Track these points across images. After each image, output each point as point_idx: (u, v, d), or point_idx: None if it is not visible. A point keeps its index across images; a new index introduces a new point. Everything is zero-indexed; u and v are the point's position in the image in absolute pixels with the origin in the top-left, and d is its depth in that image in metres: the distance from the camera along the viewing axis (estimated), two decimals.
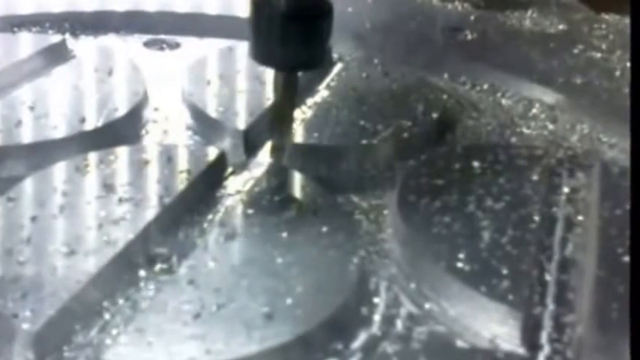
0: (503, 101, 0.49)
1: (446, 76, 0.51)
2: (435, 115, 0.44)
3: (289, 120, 0.37)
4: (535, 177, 0.39)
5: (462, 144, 0.43)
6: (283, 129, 0.37)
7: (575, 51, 0.55)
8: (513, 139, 0.45)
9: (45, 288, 0.28)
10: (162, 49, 0.51)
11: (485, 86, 0.51)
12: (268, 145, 0.39)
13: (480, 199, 0.36)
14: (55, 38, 0.48)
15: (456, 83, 0.51)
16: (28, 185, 0.34)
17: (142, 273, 0.31)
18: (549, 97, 0.49)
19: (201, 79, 0.44)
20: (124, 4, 0.54)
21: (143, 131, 0.42)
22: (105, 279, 0.29)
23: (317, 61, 0.35)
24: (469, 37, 0.56)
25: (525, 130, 0.46)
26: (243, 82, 0.44)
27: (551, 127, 0.47)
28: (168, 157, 0.36)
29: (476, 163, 0.39)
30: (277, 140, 0.38)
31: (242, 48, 0.48)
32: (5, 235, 0.31)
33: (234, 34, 0.50)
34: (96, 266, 0.29)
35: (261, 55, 0.34)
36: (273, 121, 0.38)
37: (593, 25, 0.60)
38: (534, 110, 0.49)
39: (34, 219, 0.32)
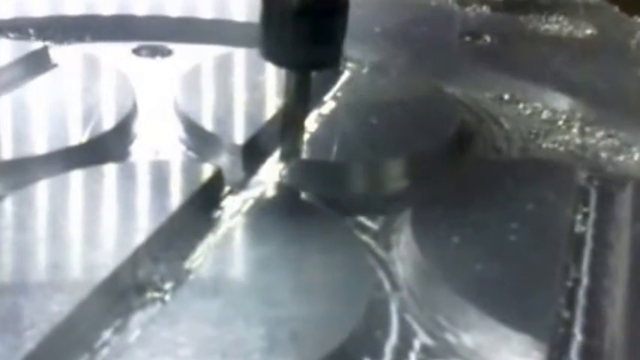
0: (526, 112, 0.50)
1: (463, 85, 0.52)
2: (451, 129, 0.44)
3: (301, 124, 0.38)
4: (561, 195, 0.39)
5: (481, 160, 0.44)
6: (294, 134, 0.38)
7: (605, 57, 0.55)
8: (537, 154, 0.46)
9: (24, 320, 0.28)
10: (152, 56, 0.51)
11: (506, 96, 0.51)
12: (268, 162, 0.40)
13: (500, 220, 0.36)
14: (35, 45, 0.48)
15: (474, 93, 0.52)
16: (6, 206, 0.35)
17: (131, 302, 0.31)
18: (576, 107, 0.50)
19: (195, 89, 0.45)
20: (110, 8, 0.54)
21: (132, 146, 0.42)
22: (90, 309, 0.29)
23: (332, 60, 0.36)
24: (488, 42, 0.57)
25: (550, 145, 0.47)
26: (242, 93, 0.45)
27: (578, 140, 0.48)
28: (159, 174, 0.37)
29: (496, 181, 0.40)
30: (287, 146, 0.39)
31: (239, 55, 0.49)
32: None
33: (230, 40, 0.51)
34: (80, 296, 0.29)
35: (272, 53, 0.35)
36: (284, 125, 0.38)
37: (624, 28, 0.60)
38: (559, 122, 0.49)
39: (12, 243, 0.32)
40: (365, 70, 0.50)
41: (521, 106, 0.51)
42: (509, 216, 0.37)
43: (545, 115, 0.50)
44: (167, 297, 0.31)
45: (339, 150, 0.41)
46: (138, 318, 0.30)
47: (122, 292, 0.31)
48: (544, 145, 0.46)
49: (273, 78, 0.46)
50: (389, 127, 0.44)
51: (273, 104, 0.43)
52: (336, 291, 0.32)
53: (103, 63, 0.48)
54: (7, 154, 0.38)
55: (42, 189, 0.36)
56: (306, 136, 0.41)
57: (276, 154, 0.41)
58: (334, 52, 0.36)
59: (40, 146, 0.39)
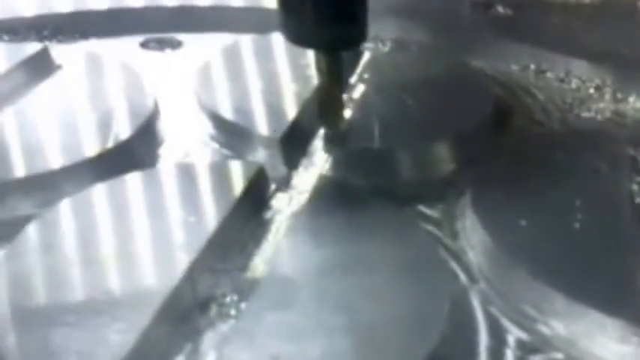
0: (556, 82, 0.47)
1: (487, 58, 0.49)
2: (489, 104, 0.41)
3: (339, 106, 0.37)
4: (614, 165, 0.36)
5: (526, 133, 0.41)
6: (333, 117, 0.36)
7: (619, 20, 0.53)
8: (577, 124, 0.43)
9: (83, 355, 0.25)
10: (162, 49, 0.47)
11: (533, 67, 0.48)
12: (308, 153, 0.37)
13: (561, 195, 0.34)
14: (35, 46, 0.44)
15: (501, 66, 0.48)
16: (42, 225, 0.31)
17: (197, 322, 0.27)
18: (603, 73, 0.47)
19: (217, 82, 0.41)
20: (110, 1, 0.50)
21: (160, 149, 0.38)
22: (156, 336, 0.26)
23: (358, 38, 0.34)
24: (502, 12, 0.54)
25: (587, 114, 0.44)
26: (266, 81, 0.41)
27: (612, 107, 0.45)
28: (199, 178, 0.33)
29: (546, 155, 0.37)
30: (328, 131, 0.37)
31: (255, 42, 0.45)
32: (19, 292, 0.27)
33: (240, 27, 0.47)
34: (142, 322, 0.26)
35: (296, 36, 0.34)
36: (322, 110, 0.36)
37: None
38: (590, 90, 0.46)
39: (55, 267, 0.28)
40: (386, 49, 0.47)
41: (549, 75, 0.48)
42: (569, 190, 0.34)
43: (574, 83, 0.47)
44: (233, 311, 0.28)
45: (383, 136, 0.37)
46: (209, 339, 0.27)
47: (185, 313, 0.28)
48: (582, 115, 0.44)
49: (294, 63, 0.42)
50: (426, 108, 0.40)
51: (302, 90, 0.40)
52: (414, 290, 0.29)
53: (112, 61, 0.43)
54: (30, 169, 0.34)
55: (77, 204, 0.32)
56: (345, 123, 0.38)
57: (315, 143, 0.37)
58: (359, 30, 0.34)
59: (62, 157, 0.35)
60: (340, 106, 0.37)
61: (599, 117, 0.44)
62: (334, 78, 0.35)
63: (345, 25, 0.33)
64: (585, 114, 0.44)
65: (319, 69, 0.35)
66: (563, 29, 0.52)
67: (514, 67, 0.49)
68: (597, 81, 0.47)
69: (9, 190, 0.33)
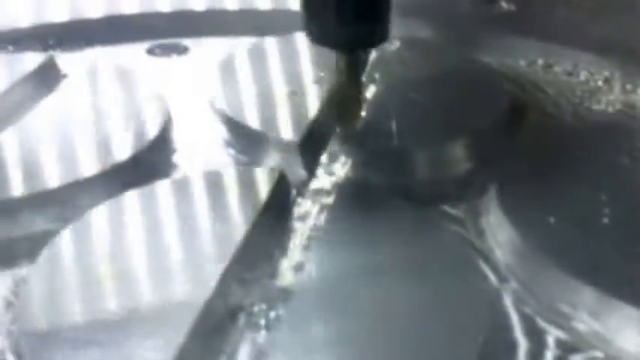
0: (564, 76, 0.47)
1: (493, 53, 0.48)
2: (503, 100, 0.41)
3: (358, 105, 0.36)
4: (633, 157, 0.36)
5: (541, 128, 0.40)
6: (352, 116, 0.36)
7: (622, 11, 0.52)
8: (590, 117, 0.42)
9: None
10: (168, 55, 0.46)
11: (540, 61, 0.48)
12: (326, 157, 0.36)
13: (586, 189, 0.33)
14: (39, 57, 0.43)
15: (508, 61, 0.48)
16: (65, 239, 0.30)
17: (231, 336, 0.26)
18: (611, 65, 0.47)
19: (230, 87, 0.40)
20: (113, 8, 0.49)
21: (176, 157, 0.37)
22: (192, 353, 0.25)
23: (380, 37, 0.34)
24: (505, 7, 0.53)
25: (598, 106, 0.43)
26: (279, 85, 0.40)
27: (622, 98, 0.44)
28: (221, 186, 0.32)
29: (565, 149, 0.37)
30: (347, 129, 0.36)
31: (268, 45, 0.44)
32: (48, 310, 0.27)
33: (249, 30, 0.46)
34: (177, 340, 0.25)
35: (319, 35, 0.34)
36: (340, 108, 0.36)
37: None
38: (599, 82, 0.46)
39: (79, 286, 0.27)
40: (393, 47, 0.46)
41: (557, 69, 0.47)
42: (593, 184, 0.34)
43: (583, 76, 0.47)
44: (262, 321, 0.27)
45: (400, 135, 0.37)
46: (245, 353, 0.26)
47: (217, 326, 0.27)
48: (594, 107, 0.43)
49: (307, 66, 0.41)
50: (440, 106, 0.39)
51: (316, 93, 0.39)
52: (450, 294, 0.28)
53: (119, 68, 0.42)
54: (49, 182, 0.33)
55: (101, 216, 0.31)
56: (361, 124, 0.37)
57: (333, 146, 0.36)
58: (382, 29, 0.34)
59: (78, 170, 0.34)
60: (359, 105, 0.36)
61: (610, 109, 0.44)
62: (354, 78, 0.35)
63: (368, 25, 0.33)
64: (596, 107, 0.44)
65: (339, 69, 0.34)
66: (569, 22, 0.51)
67: (521, 63, 0.48)
68: (605, 73, 0.47)
69: (25, 206, 0.32)
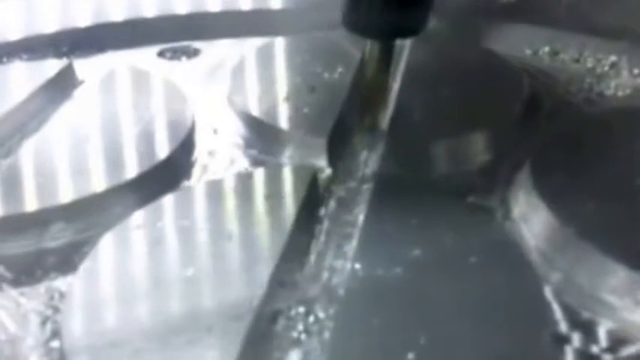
0: (572, 63, 0.46)
1: (498, 43, 0.48)
2: (520, 90, 0.40)
3: (386, 95, 0.36)
4: None
5: (560, 116, 0.40)
6: (380, 106, 0.36)
7: None
8: (603, 102, 0.42)
9: None
10: (178, 58, 0.45)
11: (547, 49, 0.48)
12: (353, 153, 0.35)
13: (623, 172, 0.33)
14: (57, 64, 0.41)
15: (514, 50, 0.47)
16: (103, 248, 0.29)
17: (278, 341, 0.26)
18: (615, 50, 0.47)
19: (248, 86, 0.40)
20: (121, 14, 0.47)
21: (201, 159, 0.36)
22: None
23: (418, 26, 0.34)
24: None
25: (609, 91, 0.43)
26: (297, 83, 0.39)
27: (630, 82, 0.44)
28: (254, 188, 0.32)
29: (588, 136, 0.36)
30: (373, 120, 0.36)
31: (280, 45, 0.43)
32: (97, 321, 0.26)
33: (259, 31, 0.46)
34: (233, 350, 0.24)
35: (358, 24, 0.33)
36: (368, 99, 0.36)
37: None
38: (606, 68, 0.46)
39: (128, 296, 0.27)
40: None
41: (563, 57, 0.47)
42: (623, 167, 0.33)
43: (590, 62, 0.46)
44: (300, 326, 0.27)
45: (424, 128, 0.36)
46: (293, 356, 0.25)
47: (265, 331, 0.26)
48: (605, 93, 0.43)
49: (322, 63, 0.41)
50: (457, 97, 0.39)
51: (336, 88, 0.38)
52: (496, 289, 0.28)
53: (136, 72, 0.41)
54: (75, 192, 0.32)
55: (131, 224, 0.30)
56: (385, 118, 0.37)
57: (359, 141, 0.36)
58: (423, 17, 0.34)
59: (103, 179, 0.33)
60: (387, 96, 0.36)
61: (620, 93, 0.44)
62: (385, 68, 0.34)
63: (411, 12, 0.33)
64: (607, 92, 0.44)
65: (370, 58, 0.34)
66: (568, 9, 0.51)
67: (528, 51, 0.48)
68: (612, 58, 0.47)
69: (55, 216, 0.31)
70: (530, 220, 0.32)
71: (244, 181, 0.32)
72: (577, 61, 0.47)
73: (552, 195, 0.32)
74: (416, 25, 0.33)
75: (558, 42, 0.48)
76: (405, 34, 0.35)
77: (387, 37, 0.34)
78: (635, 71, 0.46)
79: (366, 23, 0.32)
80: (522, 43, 0.48)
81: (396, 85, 0.40)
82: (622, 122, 0.38)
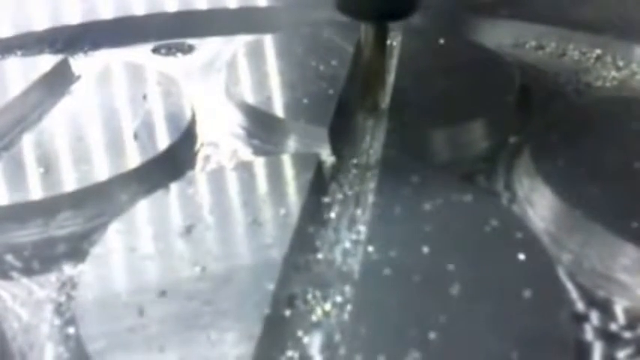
0: (558, 56, 0.45)
1: (484, 37, 0.46)
2: (513, 81, 0.39)
3: (382, 78, 0.35)
4: None
5: (554, 105, 0.39)
6: (378, 87, 0.35)
7: None
8: (594, 93, 0.41)
9: None
10: (173, 54, 0.43)
11: (533, 43, 0.47)
12: (353, 141, 0.34)
13: (623, 156, 0.32)
14: (53, 59, 0.39)
15: (500, 44, 0.46)
16: (113, 234, 0.27)
17: (297, 324, 0.24)
18: (600, 43, 0.46)
19: (245, 79, 0.38)
20: (113, 11, 0.45)
21: (204, 149, 0.34)
22: (268, 344, 0.23)
23: (410, 8, 0.33)
24: None
25: (597, 83, 0.42)
26: (294, 75, 0.38)
27: (616, 74, 0.43)
28: (260, 176, 0.30)
29: (584, 125, 0.35)
30: (372, 101, 0.35)
31: (273, 40, 0.42)
32: (115, 309, 0.24)
33: (252, 27, 0.44)
34: (254, 331, 0.22)
35: (350, 7, 0.32)
36: (366, 80, 0.35)
37: None
38: (592, 60, 0.45)
39: (142, 282, 0.25)
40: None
41: (549, 50, 0.46)
42: (619, 150, 0.32)
43: (576, 55, 0.45)
44: (317, 311, 0.25)
45: (425, 116, 0.35)
46: (316, 342, 0.23)
47: (280, 315, 0.24)
48: (593, 84, 0.42)
49: (316, 56, 0.39)
50: (454, 88, 0.38)
51: (332, 78, 0.37)
52: (510, 270, 0.26)
53: (132, 67, 0.39)
54: (81, 181, 0.30)
55: (140, 212, 0.28)
56: (384, 98, 0.35)
57: (359, 127, 0.34)
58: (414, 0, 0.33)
59: (112, 168, 0.31)
60: (383, 79, 0.35)
61: (607, 84, 0.43)
62: (380, 50, 0.34)
63: None
64: (595, 83, 0.43)
65: (365, 41, 0.33)
66: (549, 4, 0.50)
67: (514, 45, 0.47)
68: (597, 51, 0.46)
69: (62, 205, 0.29)
70: (537, 203, 0.30)
71: (249, 169, 0.30)
72: (563, 54, 0.46)
73: (555, 178, 0.31)
74: (408, 7, 0.32)
75: (544, 37, 0.47)
76: (397, 15, 0.33)
77: (380, 19, 0.33)
78: (620, 64, 0.45)
79: (359, 5, 0.32)
80: (508, 38, 0.47)
81: (391, 76, 0.39)
82: (611, 111, 0.37)
